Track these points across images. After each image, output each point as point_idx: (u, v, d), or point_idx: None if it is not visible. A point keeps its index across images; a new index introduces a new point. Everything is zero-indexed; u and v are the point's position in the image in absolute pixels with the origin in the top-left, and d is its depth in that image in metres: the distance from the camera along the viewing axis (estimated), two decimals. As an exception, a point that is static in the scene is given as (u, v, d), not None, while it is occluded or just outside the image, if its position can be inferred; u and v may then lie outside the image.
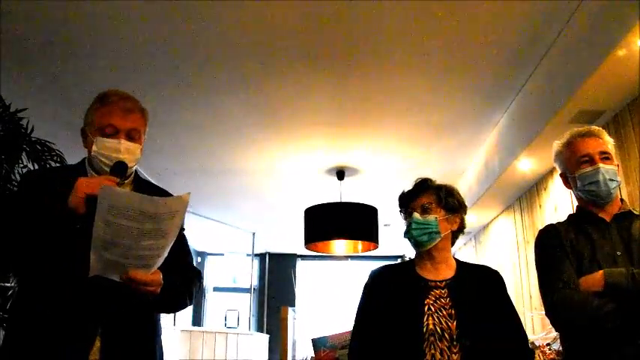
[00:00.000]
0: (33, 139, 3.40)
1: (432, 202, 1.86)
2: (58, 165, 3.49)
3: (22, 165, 3.37)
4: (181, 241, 1.65)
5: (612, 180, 1.85)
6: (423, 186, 1.91)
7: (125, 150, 1.61)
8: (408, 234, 1.87)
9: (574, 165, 1.91)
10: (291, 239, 7.70)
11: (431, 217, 1.84)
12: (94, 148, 1.62)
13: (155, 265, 1.48)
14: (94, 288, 1.48)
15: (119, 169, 1.57)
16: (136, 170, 1.76)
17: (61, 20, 2.96)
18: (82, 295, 1.49)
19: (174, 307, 1.76)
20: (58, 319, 1.48)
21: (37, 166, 3.41)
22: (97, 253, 1.39)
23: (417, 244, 1.86)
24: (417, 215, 1.85)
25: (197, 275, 1.82)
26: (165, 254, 1.48)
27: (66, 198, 1.45)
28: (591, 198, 1.89)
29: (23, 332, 1.51)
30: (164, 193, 1.75)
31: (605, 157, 1.88)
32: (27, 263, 1.54)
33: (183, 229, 1.67)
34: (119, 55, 3.31)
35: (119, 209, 1.34)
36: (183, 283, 1.71)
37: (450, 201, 1.87)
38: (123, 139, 1.62)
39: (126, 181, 1.69)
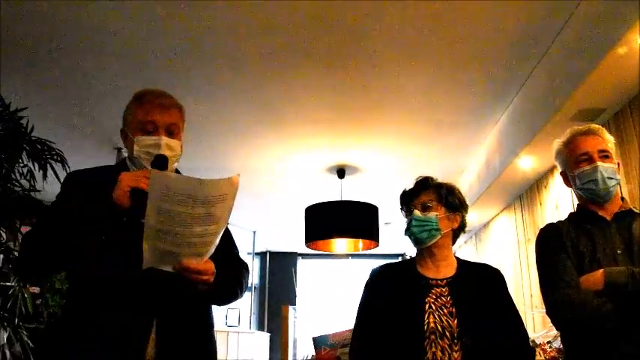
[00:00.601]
0: (33, 138, 3.40)
1: (432, 199, 1.87)
2: (57, 163, 3.50)
3: (22, 164, 3.37)
4: (226, 233, 1.64)
5: (611, 178, 1.85)
6: (424, 184, 1.91)
7: (166, 146, 1.61)
8: (408, 231, 1.88)
9: (573, 163, 1.91)
10: (291, 238, 7.72)
11: (431, 215, 1.84)
12: (135, 147, 1.63)
13: (207, 254, 1.47)
14: (148, 281, 1.47)
15: (160, 162, 1.57)
16: (177, 169, 1.76)
17: (61, 20, 2.96)
18: (135, 289, 1.49)
19: (227, 298, 1.75)
20: (113, 315, 1.47)
21: (37, 166, 3.41)
22: (150, 243, 1.38)
23: (417, 241, 1.86)
24: (417, 212, 1.85)
25: (245, 267, 1.81)
26: (217, 242, 1.47)
27: (110, 194, 1.45)
28: (590, 196, 1.88)
29: (77, 328, 1.50)
30: None
31: (605, 155, 1.88)
32: (76, 262, 1.54)
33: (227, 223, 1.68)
34: (119, 54, 3.31)
35: (170, 194, 1.33)
36: (234, 273, 1.71)
37: (450, 199, 1.88)
38: (163, 135, 1.62)
39: None
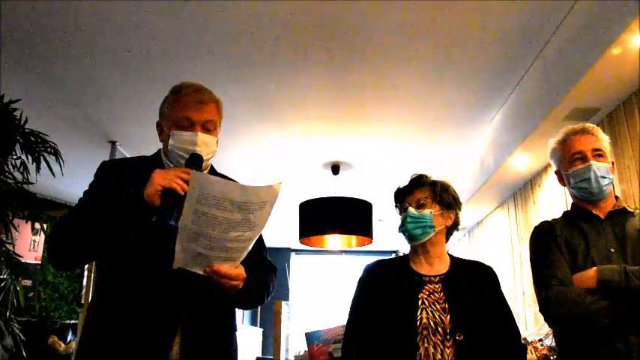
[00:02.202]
0: (27, 130, 3.38)
1: (427, 197, 1.87)
2: (51, 155, 3.48)
3: (15, 156, 3.35)
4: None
5: (604, 177, 1.85)
6: (419, 181, 1.92)
7: (201, 142, 1.59)
8: (402, 227, 1.88)
9: (567, 162, 1.92)
10: (285, 233, 7.70)
11: (426, 212, 1.85)
12: (170, 141, 1.60)
13: (240, 259, 1.45)
14: (176, 282, 1.46)
15: (194, 161, 1.55)
16: (212, 165, 1.75)
17: (56, 12, 2.94)
18: (163, 290, 1.48)
19: (252, 304, 1.74)
20: (140, 314, 1.47)
21: (30, 158, 3.39)
22: (183, 244, 1.36)
23: (410, 237, 1.87)
24: (412, 209, 1.86)
25: (273, 270, 1.79)
26: (250, 247, 1.45)
27: (142, 190, 1.42)
28: (584, 195, 1.89)
29: (105, 325, 1.50)
30: None
31: (599, 154, 1.88)
32: (105, 257, 1.54)
33: None
34: (115, 47, 3.29)
35: (209, 197, 1.32)
36: (263, 278, 1.69)
37: (444, 197, 1.89)
38: (199, 131, 1.59)
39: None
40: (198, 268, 1.42)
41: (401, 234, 1.90)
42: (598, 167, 1.85)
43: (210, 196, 1.32)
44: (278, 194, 1.40)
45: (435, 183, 1.92)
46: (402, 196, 1.94)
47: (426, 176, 1.94)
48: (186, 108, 1.61)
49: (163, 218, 1.39)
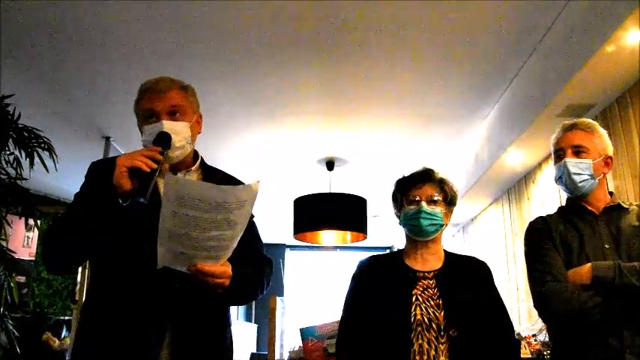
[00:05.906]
0: (20, 125, 3.36)
1: (436, 194, 1.85)
2: (44, 151, 3.46)
3: (8, 152, 3.33)
4: (251, 227, 1.60)
5: (579, 174, 1.84)
6: (429, 176, 1.87)
7: (168, 129, 1.57)
8: (415, 222, 1.82)
9: (554, 158, 1.95)
10: (280, 229, 7.69)
11: (438, 209, 1.83)
12: (142, 137, 1.61)
13: (224, 257, 1.44)
14: (163, 284, 1.46)
15: (162, 139, 1.54)
16: (202, 158, 1.75)
17: (50, 8, 2.92)
18: (150, 289, 1.47)
19: (245, 299, 1.74)
20: (128, 317, 1.46)
21: (24, 154, 3.38)
22: (164, 244, 1.36)
23: (421, 233, 1.83)
24: (425, 205, 1.82)
25: (268, 263, 1.78)
26: (234, 245, 1.44)
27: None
28: (565, 191, 1.91)
29: (95, 325, 1.50)
30: (233, 180, 1.76)
31: (578, 150, 1.87)
32: (95, 256, 1.54)
33: (253, 216, 1.65)
34: (108, 44, 3.27)
35: (186, 199, 1.31)
36: (255, 272, 1.67)
37: (451, 195, 1.87)
38: (165, 119, 1.58)
39: (192, 168, 1.69)
40: (182, 266, 1.41)
41: (404, 227, 1.86)
42: (573, 164, 1.84)
43: (188, 198, 1.31)
44: (257, 193, 1.41)
45: (443, 180, 1.88)
46: (408, 188, 1.88)
47: (434, 171, 1.90)
48: (149, 100, 1.61)
49: (136, 199, 1.38)
